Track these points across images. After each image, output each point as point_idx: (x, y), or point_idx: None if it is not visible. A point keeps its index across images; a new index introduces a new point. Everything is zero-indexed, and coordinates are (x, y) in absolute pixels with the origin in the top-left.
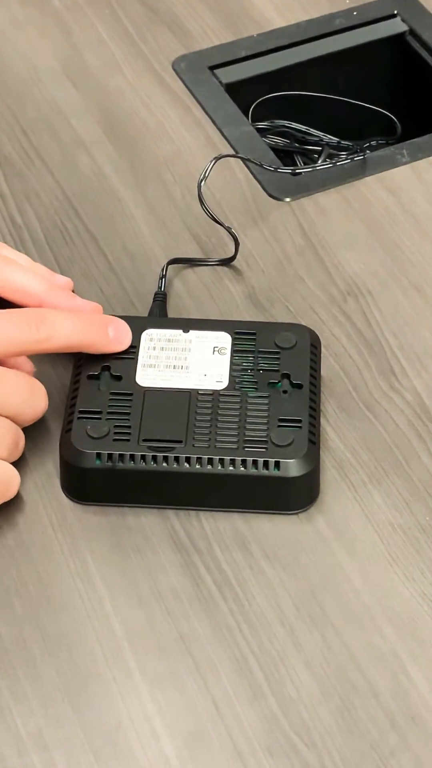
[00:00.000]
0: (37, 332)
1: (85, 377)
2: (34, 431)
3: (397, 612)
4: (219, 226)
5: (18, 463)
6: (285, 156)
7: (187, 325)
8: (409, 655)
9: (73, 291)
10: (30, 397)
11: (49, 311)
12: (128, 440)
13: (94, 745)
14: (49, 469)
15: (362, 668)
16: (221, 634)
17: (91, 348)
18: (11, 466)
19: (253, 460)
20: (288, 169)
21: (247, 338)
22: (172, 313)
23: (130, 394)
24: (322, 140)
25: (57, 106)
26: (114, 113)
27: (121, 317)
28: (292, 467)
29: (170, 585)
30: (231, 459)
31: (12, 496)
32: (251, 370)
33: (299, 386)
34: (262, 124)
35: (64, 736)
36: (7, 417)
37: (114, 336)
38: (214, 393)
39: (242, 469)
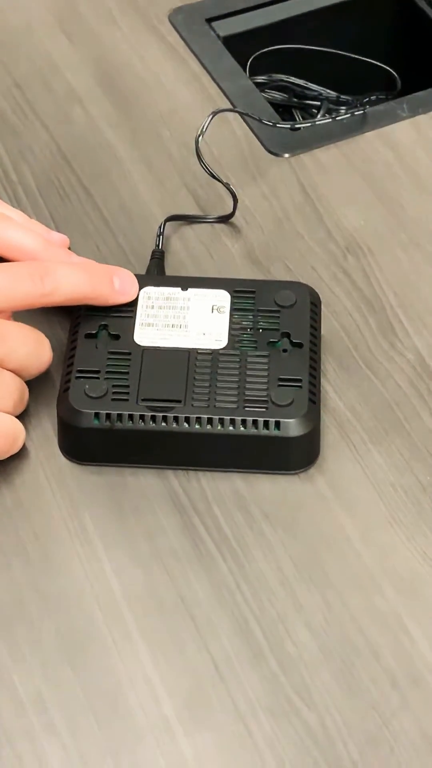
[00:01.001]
0: (42, 285)
1: (82, 336)
2: (31, 391)
3: (398, 572)
4: (217, 182)
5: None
6: (283, 111)
7: (185, 283)
8: (410, 616)
9: (69, 248)
10: (36, 349)
11: (52, 263)
12: (127, 400)
13: (94, 707)
14: (46, 429)
15: (363, 629)
16: (221, 595)
17: (96, 300)
18: (17, 420)
19: (253, 420)
20: (287, 124)
21: (247, 297)
22: (170, 271)
23: (129, 354)
24: (321, 95)
25: (51, 59)
26: (109, 67)
27: None
28: (292, 427)
29: (169, 546)
30: (231, 419)
31: (17, 450)
32: (251, 329)
33: (299, 345)
34: (260, 78)
35: (63, 697)
36: (12, 370)
37: (120, 287)
38: (213, 352)
39: (242, 428)
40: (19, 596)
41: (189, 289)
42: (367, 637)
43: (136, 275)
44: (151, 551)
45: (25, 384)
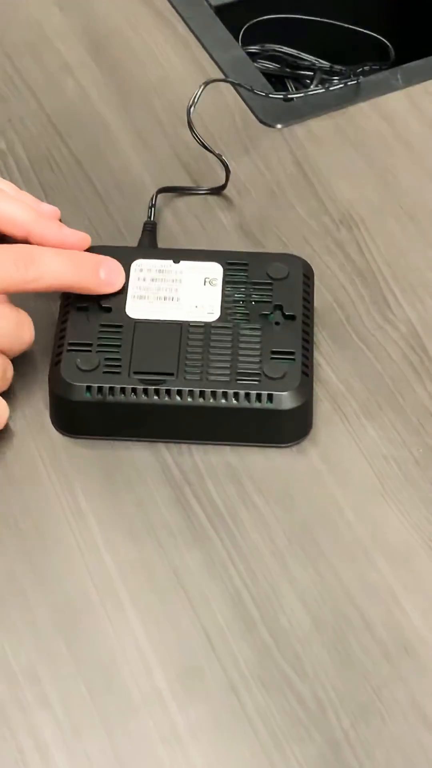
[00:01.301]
0: (26, 272)
1: (74, 309)
2: (22, 364)
3: (391, 545)
4: (209, 153)
5: (6, 397)
6: (276, 81)
7: (177, 255)
8: (402, 588)
9: (60, 220)
10: (15, 330)
11: (38, 250)
12: (119, 373)
13: (87, 680)
14: (38, 403)
15: (355, 601)
16: (214, 568)
17: (80, 289)
18: (0, 398)
19: (246, 393)
20: (279, 95)
21: (239, 269)
22: (162, 243)
23: (120, 326)
24: (314, 65)
25: (41, 28)
26: (100, 36)
27: (110, 248)
28: (285, 400)
29: (162, 519)
30: (223, 392)
31: (1, 428)
32: (243, 301)
33: (292, 318)
34: (252, 48)
35: (56, 670)
36: None
37: (105, 278)
38: (206, 325)
39: (234, 402)
40: (12, 571)
41: (181, 262)
42: (359, 609)
43: (127, 247)
44: (143, 524)
45: (8, 361)
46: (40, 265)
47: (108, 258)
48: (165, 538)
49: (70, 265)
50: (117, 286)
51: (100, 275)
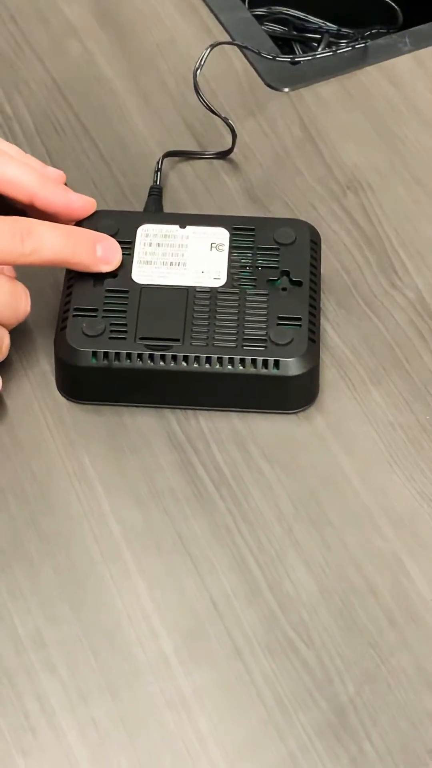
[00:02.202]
0: (22, 245)
1: (79, 274)
2: (27, 329)
3: (397, 512)
4: (215, 117)
5: (10, 363)
6: (283, 44)
7: (183, 220)
8: (409, 555)
9: (65, 184)
10: (12, 300)
11: (35, 223)
12: (124, 338)
13: (93, 644)
14: (44, 368)
15: (361, 568)
16: (219, 534)
17: (77, 266)
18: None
19: (252, 359)
20: (287, 58)
21: (246, 234)
22: (168, 208)
23: (126, 292)
24: (321, 28)
25: None
26: None
27: (116, 212)
28: (292, 366)
29: (168, 484)
30: (229, 358)
31: (3, 357)
32: (250, 266)
33: (299, 283)
34: (259, 11)
35: (62, 634)
36: None
37: (102, 255)
38: (212, 290)
39: (241, 368)
40: (18, 535)
41: (187, 227)
42: (366, 576)
43: (133, 212)
44: (149, 490)
45: (5, 332)
46: (37, 238)
47: (105, 236)
48: (170, 503)
49: (67, 241)
50: (114, 264)
51: (96, 252)
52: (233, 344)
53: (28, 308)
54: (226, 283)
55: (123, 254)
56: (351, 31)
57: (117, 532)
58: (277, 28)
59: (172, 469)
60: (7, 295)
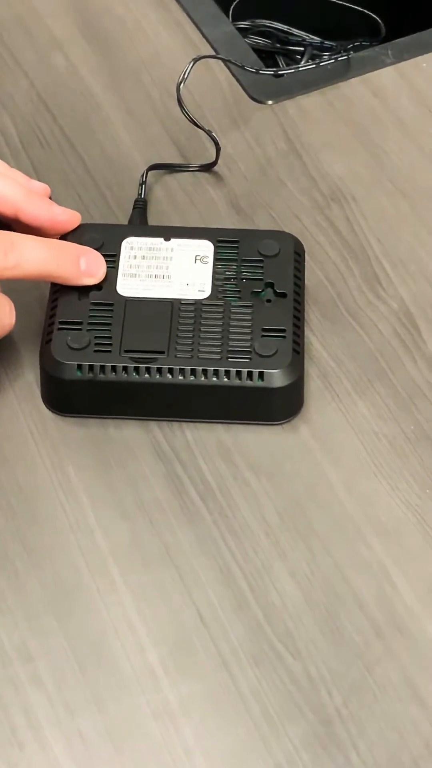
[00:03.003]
0: (5, 258)
1: (64, 287)
2: (12, 342)
3: (383, 521)
4: (199, 130)
5: None
6: (267, 57)
7: (168, 233)
8: (394, 565)
9: (50, 198)
10: None
11: (18, 237)
12: (109, 351)
13: (79, 656)
14: (29, 381)
15: (347, 578)
16: (205, 545)
17: (60, 279)
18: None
19: (237, 371)
20: (270, 71)
21: (230, 246)
22: (152, 221)
23: (111, 304)
24: (304, 40)
25: (31, 4)
26: (90, 11)
27: (100, 225)
28: (276, 377)
29: (153, 496)
30: (214, 370)
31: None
32: (234, 278)
33: (283, 295)
34: (243, 24)
35: (48, 647)
36: None
37: (86, 268)
38: (197, 302)
39: (225, 379)
40: (4, 548)
41: (172, 239)
42: (351, 586)
43: (118, 225)
44: (135, 502)
45: None
46: (20, 252)
47: (89, 249)
48: (156, 515)
49: (51, 254)
50: (98, 277)
51: (80, 265)
52: (218, 356)
53: (13, 321)
54: (210, 295)
55: (108, 267)
56: (334, 44)
57: (103, 544)
58: (261, 41)
59: (158, 481)
60: None
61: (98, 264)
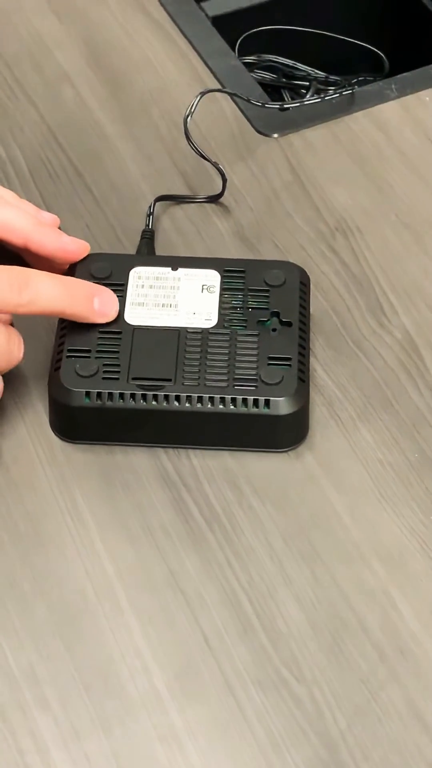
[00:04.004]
0: (19, 295)
1: None
2: (21, 370)
3: (387, 547)
4: (206, 162)
5: (4, 404)
6: (272, 91)
7: (175, 262)
8: (399, 590)
9: (59, 228)
10: (6, 346)
11: (34, 274)
12: (117, 379)
13: (86, 680)
14: (38, 408)
15: (352, 603)
16: (211, 570)
17: (73, 317)
18: None
19: (243, 399)
20: (276, 104)
21: (236, 276)
22: (160, 251)
23: (119, 333)
24: (309, 75)
25: (40, 37)
26: (98, 45)
27: (109, 255)
28: (282, 405)
29: (160, 521)
30: (220, 397)
31: None
32: (240, 308)
33: (288, 324)
34: (249, 59)
35: (55, 671)
36: None
37: (99, 307)
38: (204, 331)
39: (232, 407)
40: (12, 573)
41: (179, 269)
42: (356, 611)
43: (126, 255)
44: (141, 527)
45: None
46: (35, 289)
47: (103, 288)
48: (163, 540)
49: (65, 292)
50: (110, 317)
51: (94, 305)
52: (224, 384)
53: (21, 355)
54: (217, 324)
55: (117, 296)
56: (339, 78)
57: (110, 568)
58: (267, 76)
59: (165, 507)
60: (2, 341)
61: (111, 303)
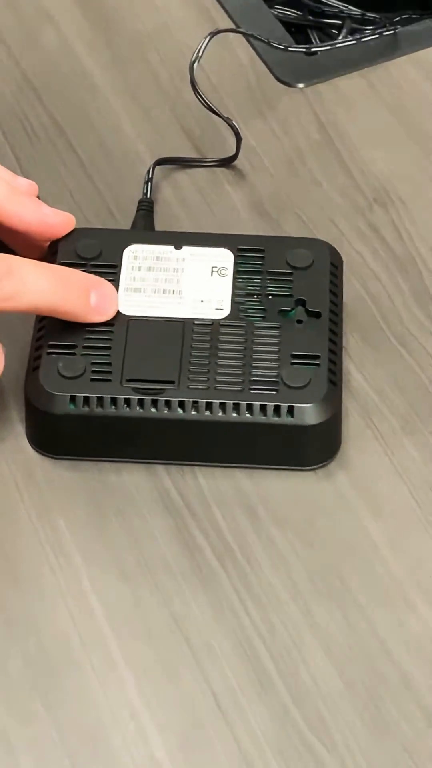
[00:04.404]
0: None
1: None
2: None
3: None
4: (216, 117)
5: None
6: (297, 31)
7: (179, 240)
8: None
9: (38, 197)
10: None
11: (17, 261)
12: (109, 380)
13: (70, 748)
14: (11, 416)
15: (393, 655)
16: (222, 614)
17: (65, 315)
18: None
19: (261, 405)
20: (301, 48)
21: (253, 256)
22: (160, 226)
23: (111, 325)
24: (342, 12)
25: None
26: None
27: (98, 230)
28: (309, 413)
29: (160, 555)
30: (234, 403)
31: None
32: (258, 295)
33: (317, 315)
34: None
35: (32, 736)
36: None
37: (96, 303)
38: (213, 323)
39: (248, 415)
40: None
41: (184, 248)
42: (398, 665)
43: (119, 230)
44: (138, 562)
45: None
46: (20, 280)
47: (101, 281)
48: (163, 578)
49: (56, 285)
50: (109, 315)
51: (90, 300)
52: (239, 387)
53: (2, 364)
54: (230, 314)
55: (107, 280)
56: (377, 16)
57: (99, 612)
58: (290, 13)
59: (166, 537)
60: None
61: (110, 299)
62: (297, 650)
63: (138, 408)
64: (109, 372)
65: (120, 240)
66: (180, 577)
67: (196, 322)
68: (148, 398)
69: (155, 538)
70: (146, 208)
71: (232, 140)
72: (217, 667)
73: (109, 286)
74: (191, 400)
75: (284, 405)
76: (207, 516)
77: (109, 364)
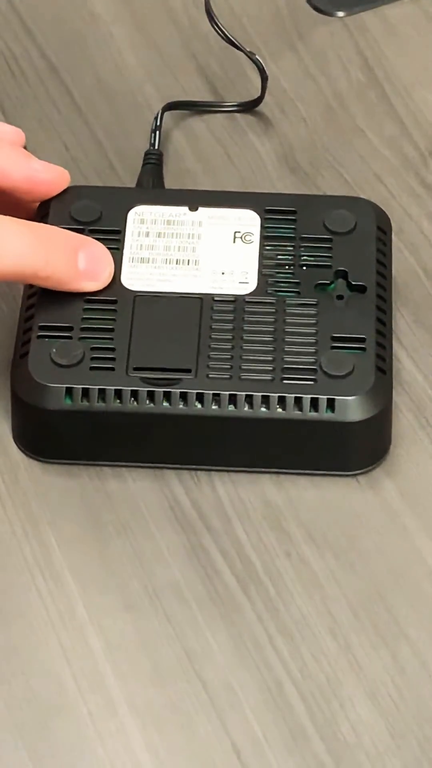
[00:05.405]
0: None
1: None
2: None
3: None
4: (238, 52)
5: None
6: None
7: (194, 199)
8: None
9: (25, 147)
10: None
11: None
12: (112, 369)
13: None
14: None
15: None
16: (245, 651)
17: (49, 281)
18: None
19: (296, 398)
20: None
21: (284, 219)
22: (170, 183)
23: (114, 302)
24: None
25: None
26: None
27: (97, 188)
28: (352, 408)
29: (170, 579)
30: (263, 396)
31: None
32: (290, 265)
33: (362, 289)
34: None
35: None
36: None
37: (86, 266)
38: (237, 299)
39: (279, 410)
40: None
41: (200, 209)
42: None
43: (122, 188)
44: (143, 586)
45: None
46: None
47: (91, 240)
48: (174, 607)
49: (38, 245)
50: (101, 281)
51: (78, 263)
52: (268, 376)
53: None
54: (256, 288)
55: (109, 248)
56: None
57: (97, 647)
58: None
59: (177, 558)
60: None
61: (103, 261)
62: (335, 695)
63: (147, 402)
64: (113, 359)
65: (123, 200)
66: (194, 605)
67: (216, 299)
68: (159, 390)
69: (165, 558)
70: (154, 161)
71: (257, 80)
72: (239, 714)
73: (100, 245)
74: (211, 392)
75: (323, 398)
76: (227, 532)
77: (113, 349)
